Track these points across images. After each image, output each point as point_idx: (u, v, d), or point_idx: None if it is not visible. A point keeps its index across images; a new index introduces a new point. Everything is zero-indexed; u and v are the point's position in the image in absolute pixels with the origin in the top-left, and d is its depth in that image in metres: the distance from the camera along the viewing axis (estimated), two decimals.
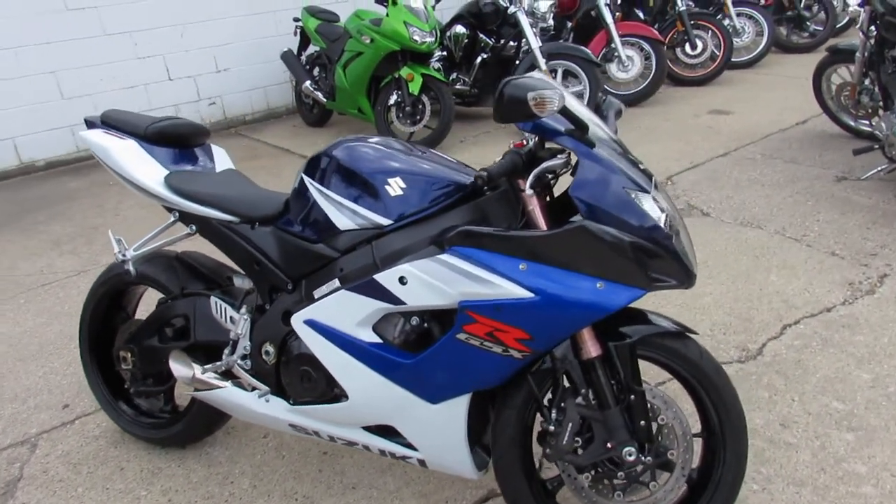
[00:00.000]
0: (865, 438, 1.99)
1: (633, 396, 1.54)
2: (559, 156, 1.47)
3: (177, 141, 2.02)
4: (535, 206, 1.48)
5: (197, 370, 1.90)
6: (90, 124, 2.09)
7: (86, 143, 1.99)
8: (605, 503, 1.60)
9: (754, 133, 4.85)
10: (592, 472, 1.60)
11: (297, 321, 1.67)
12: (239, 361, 1.86)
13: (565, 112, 1.35)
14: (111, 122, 2.04)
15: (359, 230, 1.62)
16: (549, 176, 1.51)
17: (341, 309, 1.60)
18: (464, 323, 1.47)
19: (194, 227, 1.94)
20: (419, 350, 1.57)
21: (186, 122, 2.05)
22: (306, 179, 1.71)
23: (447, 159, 1.71)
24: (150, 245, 2.01)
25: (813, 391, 2.20)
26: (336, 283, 1.64)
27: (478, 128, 5.76)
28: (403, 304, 1.52)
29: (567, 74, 5.20)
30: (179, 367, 1.94)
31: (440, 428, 1.62)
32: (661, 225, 1.43)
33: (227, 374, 1.92)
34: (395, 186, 1.58)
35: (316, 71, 5.97)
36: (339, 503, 1.94)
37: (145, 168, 1.93)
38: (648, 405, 1.58)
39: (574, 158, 1.47)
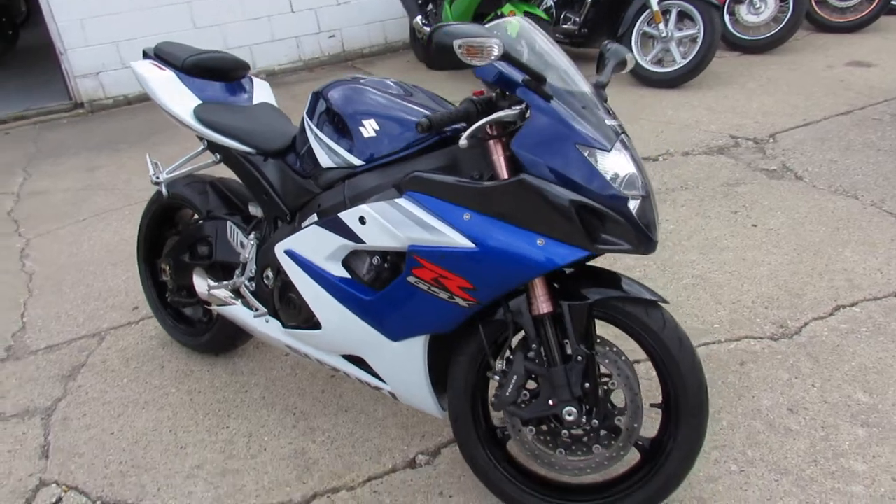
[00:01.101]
0: (878, 436, 1.80)
1: (580, 357, 1.51)
2: (514, 107, 1.42)
3: (214, 73, 2.17)
4: (498, 156, 1.45)
5: (210, 286, 2.09)
6: (145, 55, 2.28)
7: (133, 72, 2.19)
8: (547, 456, 1.60)
9: (891, 90, 4.27)
10: (537, 427, 1.60)
11: (279, 250, 1.78)
12: (246, 283, 2.02)
13: (511, 60, 1.31)
14: (161, 55, 2.22)
15: (336, 169, 1.68)
16: (513, 127, 1.47)
17: (313, 242, 1.69)
18: (412, 266, 1.50)
19: (218, 156, 2.10)
20: (383, 288, 1.62)
21: (224, 56, 2.18)
22: (305, 117, 1.79)
23: (437, 102, 1.71)
24: (182, 170, 2.20)
25: (840, 379, 2.01)
26: (314, 217, 1.72)
27: (584, 69, 5.49)
28: (363, 242, 1.58)
29: (682, 16, 4.81)
30: (199, 282, 2.15)
31: (402, 365, 1.68)
32: (614, 185, 1.36)
33: (239, 294, 2.09)
34: (368, 128, 1.62)
35: (429, 7, 5.96)
36: (329, 422, 2.08)
37: (178, 98, 2.10)
38: (599, 369, 1.54)
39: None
